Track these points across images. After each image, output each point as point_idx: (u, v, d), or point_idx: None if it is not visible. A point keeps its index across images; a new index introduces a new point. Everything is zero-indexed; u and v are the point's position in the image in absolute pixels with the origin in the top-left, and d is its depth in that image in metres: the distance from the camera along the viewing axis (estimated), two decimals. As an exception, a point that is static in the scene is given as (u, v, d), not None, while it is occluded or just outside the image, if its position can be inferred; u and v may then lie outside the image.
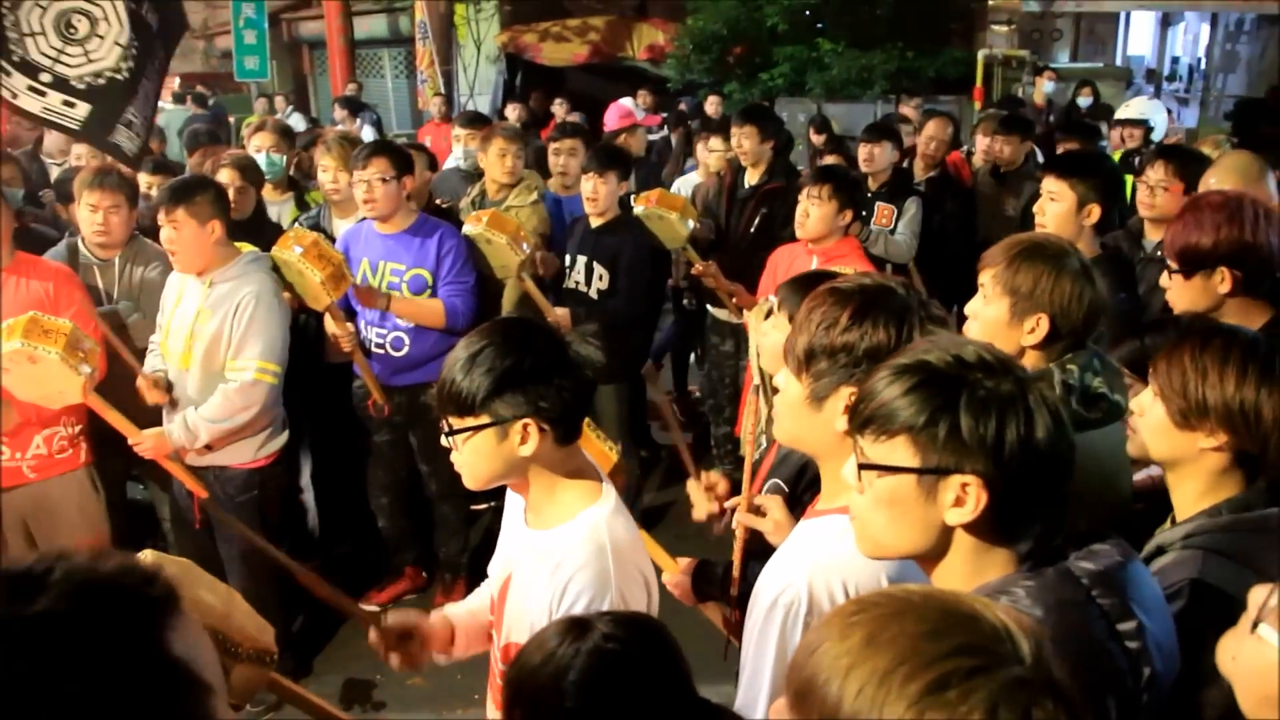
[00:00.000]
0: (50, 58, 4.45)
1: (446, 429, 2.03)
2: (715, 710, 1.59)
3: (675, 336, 7.24)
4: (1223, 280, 2.80)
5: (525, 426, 1.97)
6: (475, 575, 5.04)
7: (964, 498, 1.46)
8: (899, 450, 1.48)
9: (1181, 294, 2.88)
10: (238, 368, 3.99)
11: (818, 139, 9.30)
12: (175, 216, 3.86)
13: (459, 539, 5.05)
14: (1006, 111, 7.72)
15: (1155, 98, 13.96)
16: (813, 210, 4.54)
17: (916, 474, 1.47)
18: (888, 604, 1.05)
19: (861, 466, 1.53)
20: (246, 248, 4.15)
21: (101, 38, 4.54)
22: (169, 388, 4.07)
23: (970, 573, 1.51)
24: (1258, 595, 1.38)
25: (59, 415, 3.91)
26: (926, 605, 1.04)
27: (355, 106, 12.10)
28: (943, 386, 1.46)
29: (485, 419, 1.97)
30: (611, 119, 7.85)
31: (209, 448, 4.03)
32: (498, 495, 5.72)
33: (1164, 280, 2.95)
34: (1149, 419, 2.08)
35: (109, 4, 4.52)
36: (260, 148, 5.55)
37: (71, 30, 4.45)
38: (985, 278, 2.48)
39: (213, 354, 4.00)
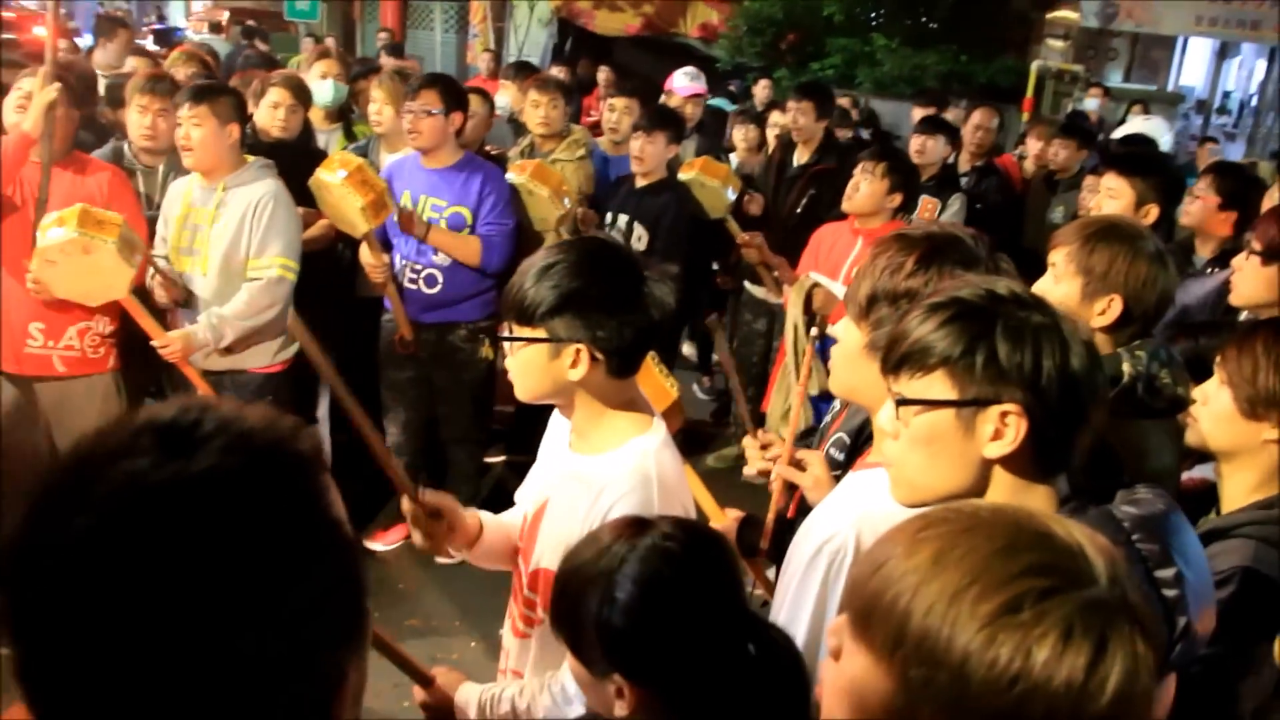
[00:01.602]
0: None
1: (506, 332, 1.98)
2: (763, 623, 1.55)
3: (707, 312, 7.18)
4: None
5: (578, 351, 1.92)
6: (483, 525, 5.02)
7: (1003, 429, 1.44)
8: (937, 384, 1.47)
9: (1251, 278, 2.89)
10: (261, 266, 4.01)
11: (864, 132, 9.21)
12: (197, 113, 3.89)
13: (470, 485, 5.00)
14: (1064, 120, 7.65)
15: (1210, 132, 13.86)
16: (864, 185, 4.50)
17: (956, 407, 1.45)
18: (956, 519, 1.01)
19: (899, 403, 1.50)
20: (253, 158, 4.14)
21: None
22: (186, 290, 4.06)
23: None
24: None
25: (94, 311, 3.87)
26: (997, 521, 1.00)
27: (398, 54, 12.03)
28: (977, 318, 1.46)
29: (541, 333, 1.92)
30: (681, 85, 7.75)
31: (230, 350, 4.02)
32: (511, 448, 5.67)
33: (1238, 260, 2.94)
34: (1214, 406, 2.08)
35: None
36: (325, 74, 5.53)
37: None
38: (1057, 256, 2.42)
39: (232, 255, 4.01)
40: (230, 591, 0.80)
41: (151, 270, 3.98)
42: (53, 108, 3.65)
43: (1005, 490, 1.48)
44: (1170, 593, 1.43)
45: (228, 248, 3.99)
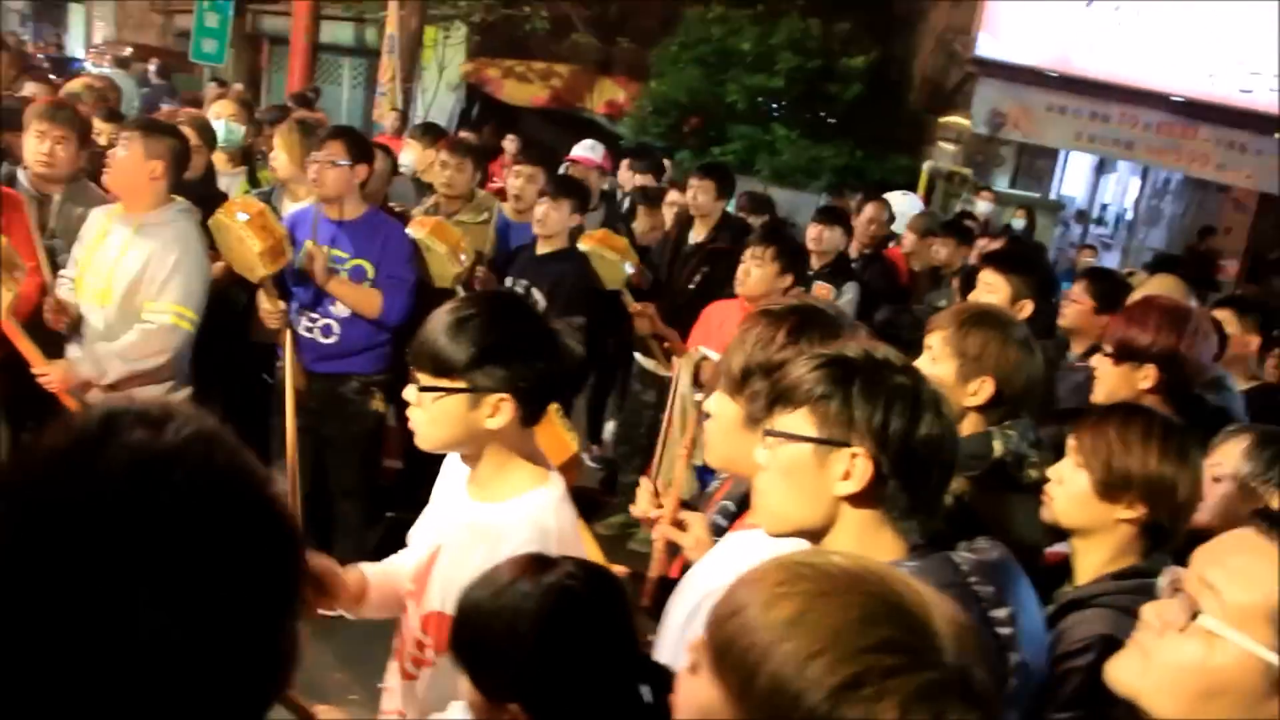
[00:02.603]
0: None
1: (416, 384, 2.01)
2: (661, 669, 1.61)
3: (594, 384, 7.23)
4: (1146, 377, 2.95)
5: (500, 401, 1.97)
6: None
7: (851, 471, 1.57)
8: (801, 421, 1.61)
9: (1105, 378, 3.06)
10: (157, 309, 3.97)
11: (755, 219, 9.39)
12: (129, 138, 3.94)
13: (356, 539, 4.91)
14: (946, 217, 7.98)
15: (1088, 240, 14.57)
16: (754, 270, 4.60)
17: (811, 443, 1.60)
18: (815, 579, 1.08)
19: (767, 433, 1.65)
20: (178, 200, 4.13)
21: None
22: (76, 318, 4.01)
23: (857, 551, 1.56)
24: (1154, 608, 1.41)
25: None
26: (853, 588, 1.06)
27: (307, 106, 11.99)
28: (845, 368, 1.62)
29: (461, 384, 1.96)
30: (584, 153, 7.91)
31: (114, 389, 3.93)
32: (398, 504, 5.59)
33: (1094, 360, 3.11)
34: (1069, 487, 2.19)
35: None
36: (220, 115, 5.52)
37: None
38: (934, 339, 2.56)
39: (133, 294, 3.96)
40: (223, 543, 0.88)
41: (49, 296, 3.92)
42: None
43: (854, 527, 1.61)
44: (1004, 630, 1.55)
45: (130, 285, 3.95)
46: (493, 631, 1.59)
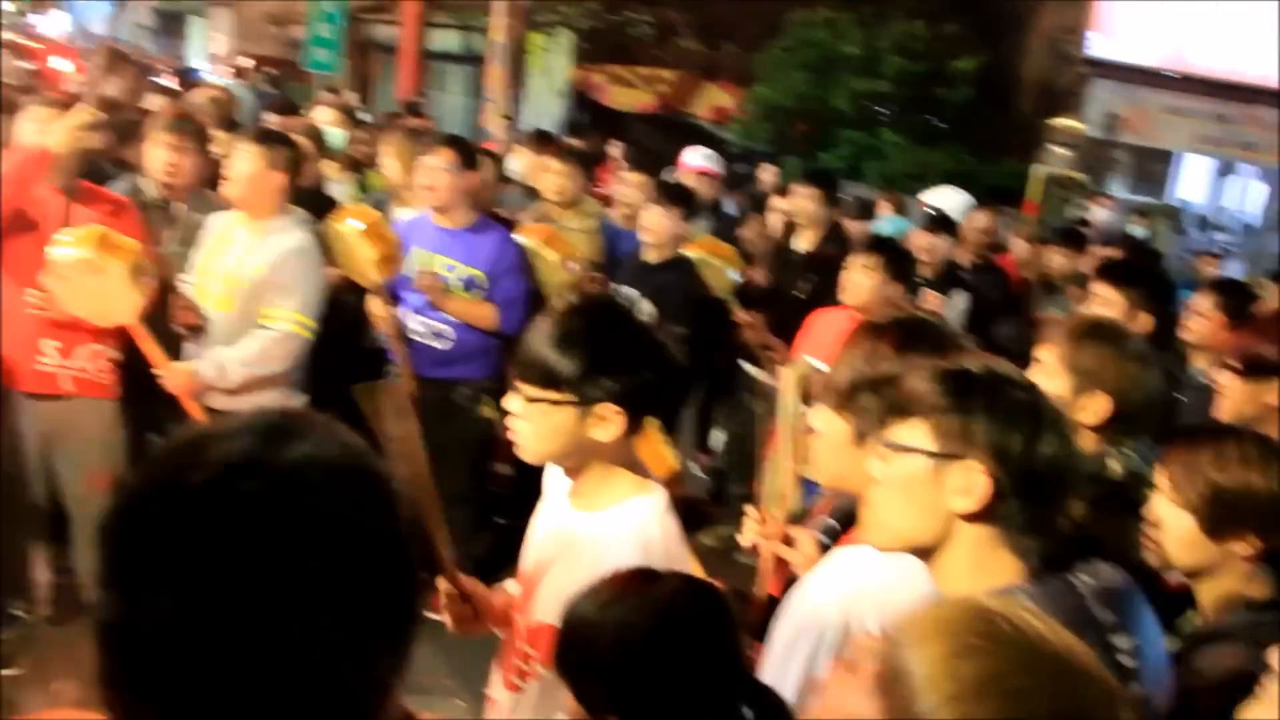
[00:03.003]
0: None
1: (521, 396, 1.98)
2: (764, 688, 1.59)
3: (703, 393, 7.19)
4: (1275, 392, 2.83)
5: (610, 412, 1.94)
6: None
7: (970, 487, 1.53)
8: (918, 433, 1.57)
9: (1231, 394, 2.95)
10: (274, 316, 4.02)
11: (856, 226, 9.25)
12: (249, 151, 4.00)
13: (464, 546, 4.99)
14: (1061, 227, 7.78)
15: (1210, 247, 14.11)
16: (861, 279, 4.53)
17: (929, 455, 1.56)
18: (1014, 644, 1.02)
19: (884, 444, 1.62)
20: (297, 209, 4.23)
21: None
22: (203, 318, 4.11)
23: (973, 570, 1.56)
24: (1276, 652, 1.36)
25: (106, 334, 3.89)
26: (1055, 670, 1.00)
27: (416, 114, 12.22)
28: (967, 382, 1.58)
29: (570, 396, 1.93)
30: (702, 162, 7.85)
31: (232, 393, 4.01)
32: (510, 513, 5.63)
33: (1220, 376, 2.99)
34: (1174, 531, 2.05)
35: None
36: (323, 121, 5.64)
37: None
38: (1045, 354, 2.49)
39: (253, 300, 4.03)
40: (300, 571, 0.86)
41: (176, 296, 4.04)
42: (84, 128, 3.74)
43: (969, 545, 1.57)
44: (1127, 661, 1.49)
45: (250, 291, 4.02)
46: (597, 645, 1.58)
